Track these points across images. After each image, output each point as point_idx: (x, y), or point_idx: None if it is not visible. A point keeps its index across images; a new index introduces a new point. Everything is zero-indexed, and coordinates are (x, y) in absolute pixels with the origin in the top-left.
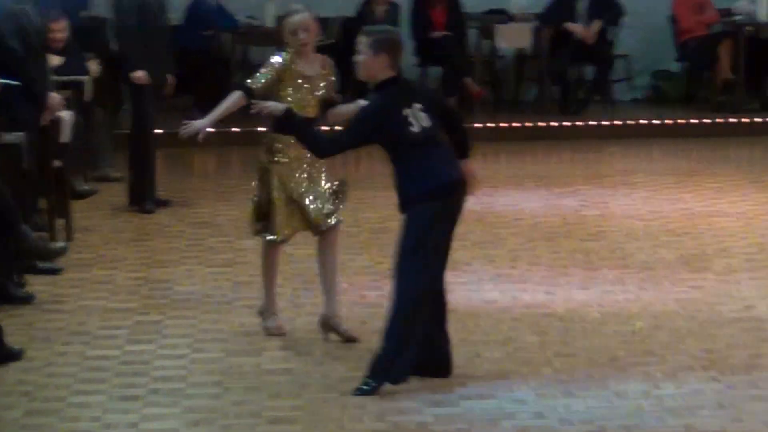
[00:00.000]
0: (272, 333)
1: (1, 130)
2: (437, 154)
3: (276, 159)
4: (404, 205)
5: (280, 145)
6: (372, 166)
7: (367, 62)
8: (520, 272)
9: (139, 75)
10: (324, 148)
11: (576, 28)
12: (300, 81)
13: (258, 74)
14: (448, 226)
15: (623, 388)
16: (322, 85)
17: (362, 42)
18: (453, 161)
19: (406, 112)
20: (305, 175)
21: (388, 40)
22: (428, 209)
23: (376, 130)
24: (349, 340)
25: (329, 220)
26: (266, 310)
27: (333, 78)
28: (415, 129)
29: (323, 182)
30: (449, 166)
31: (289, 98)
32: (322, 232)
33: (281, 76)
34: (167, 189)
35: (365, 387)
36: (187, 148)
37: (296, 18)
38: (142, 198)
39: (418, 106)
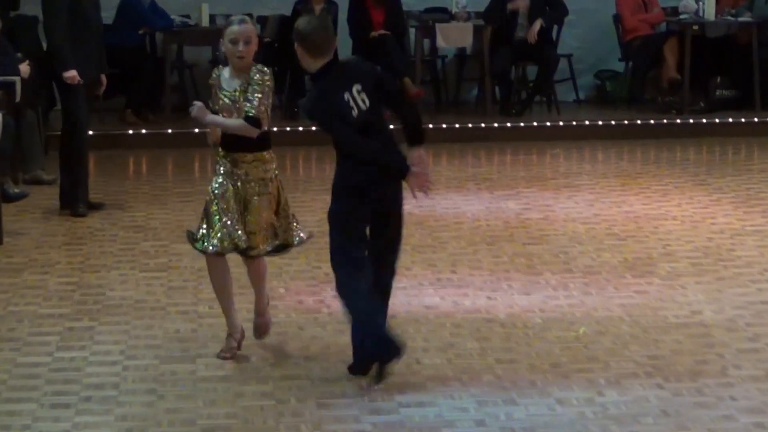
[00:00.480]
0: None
1: None
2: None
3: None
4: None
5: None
6: (310, 169)
7: (297, 54)
8: (461, 277)
9: (71, 74)
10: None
11: (516, 4)
12: (220, 94)
13: None
14: (375, 222)
15: (566, 395)
16: (241, 99)
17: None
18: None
19: (346, 96)
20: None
21: (296, 32)
22: (345, 205)
23: (331, 114)
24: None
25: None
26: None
27: (254, 91)
28: (354, 113)
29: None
30: None
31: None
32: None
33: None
34: (100, 191)
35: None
36: (120, 150)
37: (237, 27)
38: (75, 201)
39: (357, 87)
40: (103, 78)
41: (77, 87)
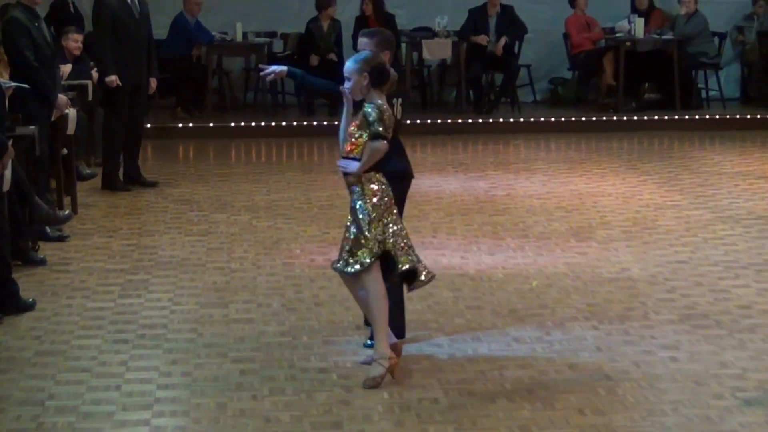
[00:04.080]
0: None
1: (18, 124)
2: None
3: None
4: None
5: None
6: (322, 154)
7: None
8: (440, 241)
9: (110, 79)
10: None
11: (480, 39)
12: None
13: None
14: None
15: (521, 334)
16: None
17: (365, 43)
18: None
19: (394, 101)
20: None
21: (388, 39)
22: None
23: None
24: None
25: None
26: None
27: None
28: (396, 116)
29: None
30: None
31: None
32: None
33: None
34: (156, 172)
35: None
36: (171, 139)
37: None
38: (113, 180)
39: (399, 100)
40: (153, 81)
41: (116, 89)
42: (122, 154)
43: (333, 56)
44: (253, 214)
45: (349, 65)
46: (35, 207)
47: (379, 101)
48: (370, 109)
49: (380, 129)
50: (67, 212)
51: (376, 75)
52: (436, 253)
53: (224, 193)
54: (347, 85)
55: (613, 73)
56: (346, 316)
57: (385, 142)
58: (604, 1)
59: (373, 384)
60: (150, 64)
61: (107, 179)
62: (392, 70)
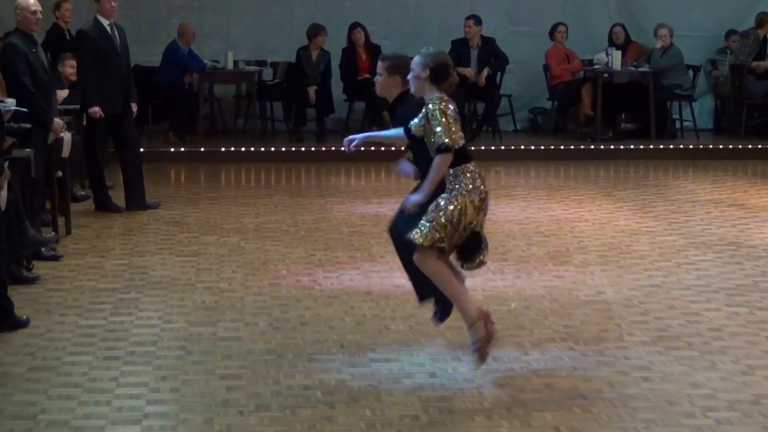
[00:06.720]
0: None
1: (15, 147)
2: None
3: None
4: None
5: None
6: (309, 178)
7: (384, 83)
8: None
9: (94, 110)
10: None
11: (465, 71)
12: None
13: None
14: None
15: (499, 354)
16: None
17: (380, 66)
18: None
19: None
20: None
21: (400, 64)
22: None
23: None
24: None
25: None
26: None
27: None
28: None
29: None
30: None
31: None
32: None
33: None
34: (148, 195)
35: None
36: (164, 163)
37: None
38: (105, 202)
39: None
40: (134, 106)
41: (98, 120)
42: (123, 179)
43: (315, 87)
44: (242, 236)
45: (415, 59)
46: (24, 228)
47: (439, 94)
48: (432, 107)
49: (445, 139)
50: (51, 234)
51: (437, 71)
52: None
53: (214, 215)
54: (410, 75)
55: (591, 103)
56: (330, 334)
57: (450, 154)
58: (583, 34)
59: (480, 346)
60: (129, 92)
61: (99, 201)
62: (454, 74)
